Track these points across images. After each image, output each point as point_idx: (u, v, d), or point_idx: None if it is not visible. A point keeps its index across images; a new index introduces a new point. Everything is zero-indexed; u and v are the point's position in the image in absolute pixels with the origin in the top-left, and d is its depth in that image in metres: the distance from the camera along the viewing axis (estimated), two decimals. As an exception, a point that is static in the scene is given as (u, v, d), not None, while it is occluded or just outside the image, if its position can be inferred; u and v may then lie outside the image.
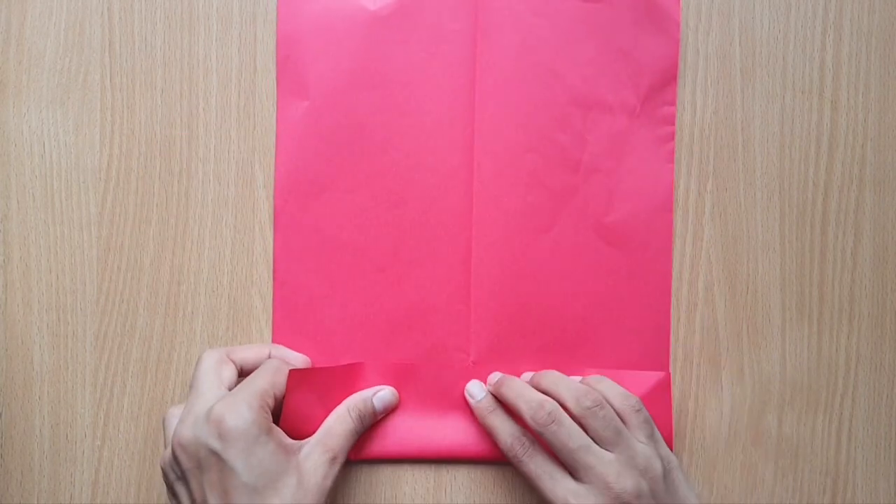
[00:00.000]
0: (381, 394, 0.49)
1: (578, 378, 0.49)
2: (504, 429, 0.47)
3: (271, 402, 0.44)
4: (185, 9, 0.50)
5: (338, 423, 0.47)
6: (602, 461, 0.44)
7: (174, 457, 0.43)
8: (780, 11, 0.51)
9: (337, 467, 0.45)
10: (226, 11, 0.50)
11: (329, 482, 0.44)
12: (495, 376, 0.49)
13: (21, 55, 0.50)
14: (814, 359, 0.51)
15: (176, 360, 0.50)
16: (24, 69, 0.50)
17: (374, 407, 0.48)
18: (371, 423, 0.48)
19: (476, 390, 0.49)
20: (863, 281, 0.51)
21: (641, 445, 0.45)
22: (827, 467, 0.51)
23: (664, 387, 0.50)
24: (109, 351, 0.50)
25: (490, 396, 0.48)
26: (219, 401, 0.43)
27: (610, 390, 0.47)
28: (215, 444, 0.42)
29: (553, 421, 0.45)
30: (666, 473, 0.45)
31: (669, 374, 0.50)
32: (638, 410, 0.46)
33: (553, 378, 0.48)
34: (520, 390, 0.47)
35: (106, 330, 0.50)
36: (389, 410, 0.49)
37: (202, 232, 0.50)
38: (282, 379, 0.45)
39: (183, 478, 0.43)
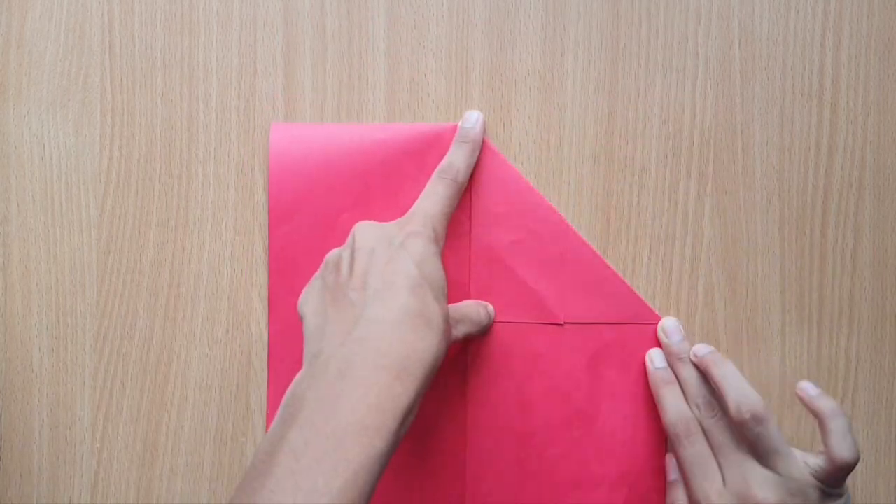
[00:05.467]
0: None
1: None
2: (676, 405, 0.47)
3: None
4: (185, 11, 0.50)
5: (472, 308, 0.47)
6: (745, 463, 0.44)
7: (362, 234, 0.44)
8: (780, 14, 0.51)
9: (446, 349, 0.44)
10: (226, 14, 0.50)
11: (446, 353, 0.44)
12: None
13: (21, 58, 0.50)
14: (814, 361, 0.51)
15: (175, 363, 0.50)
16: (24, 71, 0.50)
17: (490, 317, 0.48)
18: (486, 331, 0.48)
19: (658, 358, 0.49)
20: (862, 284, 0.51)
21: (803, 470, 0.44)
22: (827, 470, 0.51)
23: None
24: (109, 353, 0.50)
25: (669, 368, 0.48)
26: (412, 224, 0.44)
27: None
28: (400, 239, 0.43)
29: (714, 415, 0.45)
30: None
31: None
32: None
33: (730, 373, 0.46)
34: (695, 376, 0.47)
35: (105, 332, 0.50)
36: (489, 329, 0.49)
37: (202, 234, 0.50)
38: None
39: (355, 252, 0.43)
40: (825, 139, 0.51)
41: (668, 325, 0.49)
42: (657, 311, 0.50)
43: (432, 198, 0.47)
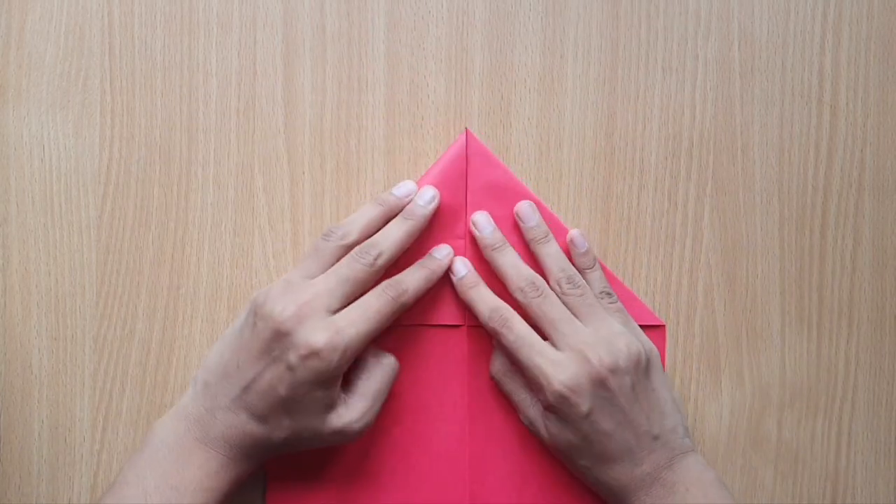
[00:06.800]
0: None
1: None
2: (485, 301, 0.47)
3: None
4: (184, 13, 0.50)
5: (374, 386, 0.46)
6: (580, 332, 0.46)
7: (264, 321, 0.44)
8: (780, 16, 0.51)
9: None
10: (226, 15, 0.50)
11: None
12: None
13: (21, 59, 0.50)
14: (813, 363, 0.51)
15: (175, 364, 0.50)
16: (24, 73, 0.50)
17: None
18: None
19: (460, 267, 0.48)
20: (862, 285, 0.51)
21: (619, 326, 0.46)
22: (826, 471, 0.51)
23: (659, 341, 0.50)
24: (108, 354, 0.50)
25: (474, 272, 0.48)
26: (327, 335, 0.42)
27: (594, 282, 0.48)
28: (294, 359, 0.42)
29: (539, 294, 0.46)
30: (646, 358, 0.46)
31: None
32: (613, 303, 0.48)
33: (549, 252, 0.48)
34: (514, 261, 0.47)
35: (105, 333, 0.50)
36: None
37: (201, 236, 0.50)
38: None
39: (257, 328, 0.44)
40: (825, 140, 0.51)
41: (479, 219, 0.49)
42: (657, 313, 0.50)
43: (364, 311, 0.44)
